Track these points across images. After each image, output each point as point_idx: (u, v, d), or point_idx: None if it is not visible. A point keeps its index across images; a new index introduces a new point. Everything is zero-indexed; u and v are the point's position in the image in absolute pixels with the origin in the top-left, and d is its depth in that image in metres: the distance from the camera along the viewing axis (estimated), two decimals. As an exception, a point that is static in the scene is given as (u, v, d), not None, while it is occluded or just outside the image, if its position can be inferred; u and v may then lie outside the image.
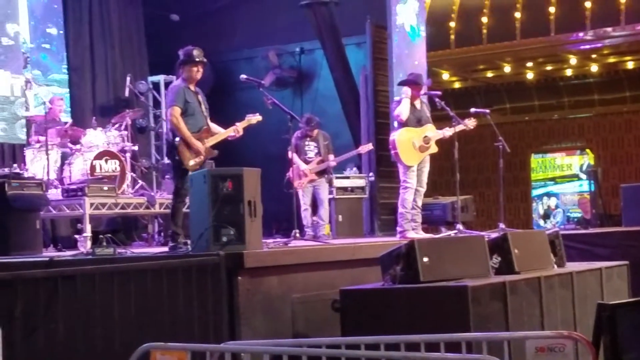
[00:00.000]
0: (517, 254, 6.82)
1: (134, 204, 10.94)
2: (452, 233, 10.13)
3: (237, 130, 8.64)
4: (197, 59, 8.31)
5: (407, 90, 9.79)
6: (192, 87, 8.33)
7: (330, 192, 12.37)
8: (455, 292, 5.97)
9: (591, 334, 4.83)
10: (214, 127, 8.53)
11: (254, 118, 8.90)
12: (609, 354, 4.60)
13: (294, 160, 10.81)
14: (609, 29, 14.82)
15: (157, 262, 6.65)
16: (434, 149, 9.90)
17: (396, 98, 10.12)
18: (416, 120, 9.79)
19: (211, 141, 8.33)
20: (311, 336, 6.63)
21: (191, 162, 8.07)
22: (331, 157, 11.43)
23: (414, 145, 9.68)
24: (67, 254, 8.42)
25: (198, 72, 8.33)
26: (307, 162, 11.28)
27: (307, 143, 11.37)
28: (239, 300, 6.39)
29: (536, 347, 4.59)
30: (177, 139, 8.10)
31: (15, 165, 10.38)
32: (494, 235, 7.72)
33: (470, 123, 10.29)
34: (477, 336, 5.20)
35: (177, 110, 8.10)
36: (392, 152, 9.77)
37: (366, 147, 11.68)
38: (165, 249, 8.30)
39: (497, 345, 4.90)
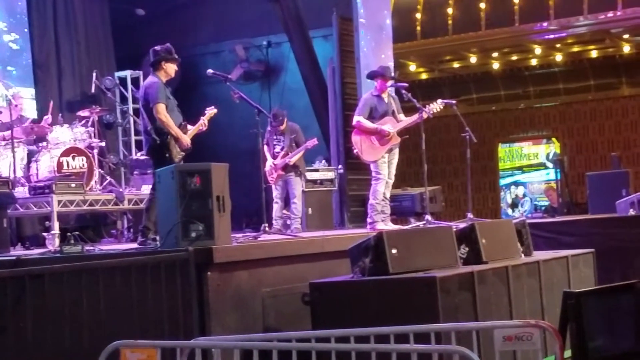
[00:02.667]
0: (484, 243, 6.89)
1: (102, 200, 10.87)
2: (421, 224, 10.17)
3: (204, 123, 8.68)
4: (176, 57, 8.33)
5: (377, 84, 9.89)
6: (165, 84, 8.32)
7: (300, 185, 12.38)
8: (424, 283, 6.01)
9: (558, 322, 4.89)
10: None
11: (212, 111, 8.87)
12: (575, 341, 4.67)
13: (264, 155, 10.88)
14: (573, 19, 14.96)
15: (125, 259, 6.61)
16: (395, 140, 9.91)
17: (365, 95, 10.13)
18: (380, 115, 9.83)
19: (188, 136, 8.33)
20: (282, 330, 6.65)
21: (176, 159, 8.05)
22: (290, 155, 11.43)
23: (371, 141, 9.75)
24: (35, 252, 8.36)
25: (175, 69, 8.34)
26: (275, 156, 11.32)
27: (275, 137, 11.40)
28: (209, 295, 6.37)
29: (504, 336, 4.63)
30: (168, 136, 8.05)
31: (-21, 164, 10.29)
32: (462, 225, 7.78)
33: (435, 106, 10.23)
34: (446, 327, 5.25)
35: (163, 107, 8.03)
36: (355, 151, 9.88)
37: (312, 142, 11.65)
38: (135, 245, 8.26)
39: (465, 335, 4.95)
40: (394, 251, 6.30)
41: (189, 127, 8.47)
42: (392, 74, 10.48)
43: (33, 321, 6.56)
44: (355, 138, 9.85)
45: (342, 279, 6.60)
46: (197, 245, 6.48)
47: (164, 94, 8.09)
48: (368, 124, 9.75)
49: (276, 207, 11.26)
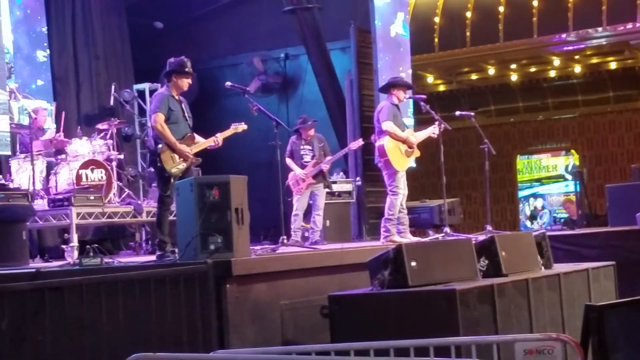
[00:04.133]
0: (504, 256, 6.85)
1: (120, 212, 10.89)
2: (439, 236, 10.14)
3: (217, 140, 8.59)
4: (189, 71, 8.31)
5: (397, 94, 9.80)
6: (176, 96, 8.31)
7: (317, 198, 12.37)
8: (444, 296, 5.98)
9: (579, 335, 4.84)
10: (197, 137, 8.52)
11: (240, 127, 8.88)
12: (597, 355, 4.61)
13: (290, 166, 10.83)
14: (591, 30, 14.91)
15: (144, 271, 6.62)
16: (417, 152, 9.92)
17: (382, 103, 9.93)
18: (399, 125, 9.77)
19: (193, 149, 8.32)
20: (301, 343, 6.63)
21: (173, 170, 8.06)
22: (328, 158, 11.33)
23: (400, 150, 9.66)
24: (54, 264, 8.37)
25: (188, 84, 8.35)
26: (303, 166, 11.18)
27: (302, 147, 11.29)
28: (228, 308, 6.37)
29: (525, 350, 4.60)
30: (160, 145, 8.08)
31: (0, 176, 10.32)
32: (481, 237, 7.75)
33: (435, 129, 10.20)
34: (466, 340, 5.20)
35: (161, 117, 8.08)
36: (382, 159, 9.60)
37: (356, 143, 11.59)
38: (153, 257, 8.27)
39: (486, 349, 4.91)
40: (413, 264, 6.27)
41: (197, 139, 8.46)
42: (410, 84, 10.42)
43: (52, 334, 6.57)
44: (386, 145, 9.56)
45: (361, 291, 6.57)
46: (215, 257, 6.49)
47: (165, 105, 8.12)
48: (399, 131, 9.64)
49: (297, 219, 11.19)
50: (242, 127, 8.89)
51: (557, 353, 4.52)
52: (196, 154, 8.34)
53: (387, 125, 9.56)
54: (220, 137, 8.65)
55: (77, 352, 6.51)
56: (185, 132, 8.27)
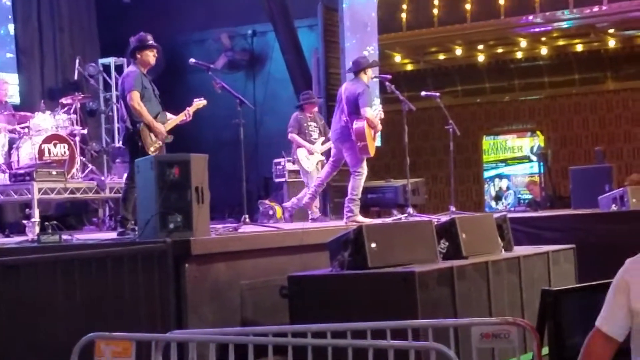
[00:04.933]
0: (464, 238, 6.85)
1: (83, 188, 10.83)
2: (402, 217, 10.14)
3: (188, 114, 8.66)
4: (151, 43, 8.30)
5: (368, 75, 9.75)
6: (145, 73, 8.30)
7: (283, 176, 12.34)
8: (403, 278, 5.99)
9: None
10: (167, 114, 8.54)
11: (200, 102, 8.87)
12: (553, 339, 4.64)
13: (299, 142, 10.85)
14: (558, 13, 14.94)
15: (102, 250, 6.56)
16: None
17: (359, 86, 9.74)
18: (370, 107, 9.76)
19: (167, 126, 8.35)
20: (260, 323, 6.62)
21: (152, 148, 8.09)
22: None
23: (371, 135, 9.63)
24: (12, 240, 8.28)
25: (153, 57, 8.34)
26: (311, 143, 11.17)
27: (309, 124, 11.23)
28: (187, 287, 6.32)
29: (481, 334, 4.60)
30: (140, 124, 8.08)
31: (-41, 150, 10.21)
32: (444, 218, 7.75)
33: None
34: (423, 323, 5.21)
35: (137, 95, 8.08)
36: (361, 143, 9.46)
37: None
38: (115, 234, 8.24)
39: (443, 332, 4.92)
40: (373, 245, 6.26)
41: (169, 116, 8.45)
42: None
43: (6, 312, 6.50)
44: (365, 130, 9.44)
45: (320, 272, 6.57)
46: (175, 236, 6.42)
47: (139, 83, 8.11)
48: (376, 119, 9.63)
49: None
50: (202, 102, 8.88)
51: (513, 337, 4.52)
52: (168, 131, 8.35)
53: (369, 113, 9.51)
54: (191, 110, 8.70)
55: (32, 331, 6.46)
56: (157, 111, 8.30)
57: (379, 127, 9.74)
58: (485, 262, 6.74)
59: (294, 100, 14.32)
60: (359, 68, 9.72)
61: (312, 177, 10.99)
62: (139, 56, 8.27)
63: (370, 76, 9.86)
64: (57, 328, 6.37)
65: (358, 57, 10.25)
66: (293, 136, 11.12)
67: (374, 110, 9.83)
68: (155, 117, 8.21)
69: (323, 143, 11.17)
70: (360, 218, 9.41)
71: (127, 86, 8.16)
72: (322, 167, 10.97)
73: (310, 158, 11.11)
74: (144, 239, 6.63)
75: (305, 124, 11.23)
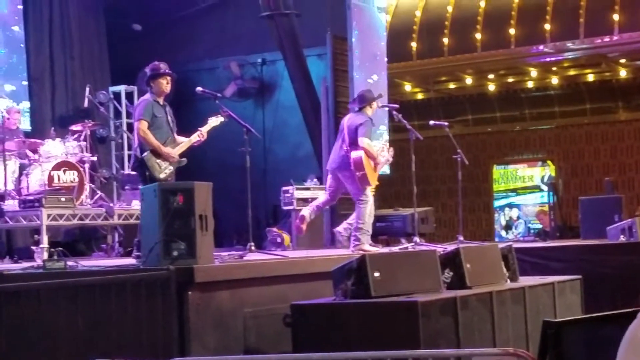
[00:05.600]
0: (468, 268, 6.84)
1: (92, 214, 10.86)
2: (409, 245, 10.13)
3: (201, 134, 8.75)
4: (165, 71, 8.45)
5: (372, 108, 9.77)
6: (160, 101, 8.46)
7: (291, 204, 12.34)
8: (406, 307, 5.97)
9: (537, 350, 4.82)
10: (179, 139, 8.65)
11: (216, 120, 8.92)
12: (553, 372, 4.59)
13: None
14: (569, 43, 14.94)
15: (105, 277, 6.57)
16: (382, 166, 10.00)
17: (360, 117, 9.75)
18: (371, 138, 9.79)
19: (178, 150, 8.46)
20: (263, 352, 6.61)
21: (162, 175, 8.21)
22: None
23: (371, 165, 9.62)
24: (17, 267, 8.31)
25: (167, 85, 8.47)
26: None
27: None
28: (189, 315, 6.32)
29: (482, 364, 4.59)
30: (145, 153, 8.21)
31: (-32, 176, 10.27)
32: (451, 247, 7.73)
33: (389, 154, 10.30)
34: (424, 353, 5.18)
35: (144, 124, 8.25)
36: (359, 173, 9.46)
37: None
38: (124, 260, 8.33)
39: (444, 362, 4.90)
40: (376, 274, 6.25)
41: (179, 139, 8.57)
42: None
43: (7, 337, 6.49)
44: (363, 160, 9.43)
45: (323, 301, 6.56)
46: (178, 264, 6.43)
47: (148, 112, 8.28)
48: (373, 149, 9.63)
49: None
50: (219, 120, 8.93)
51: (513, 368, 4.50)
52: (181, 155, 8.48)
53: (365, 142, 9.50)
54: (204, 130, 8.78)
55: (33, 357, 6.45)
56: (167, 137, 8.42)
57: (379, 159, 9.75)
58: (489, 292, 6.72)
59: (302, 128, 14.39)
60: (363, 103, 9.74)
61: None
62: (152, 84, 8.45)
63: (375, 108, 9.88)
64: (59, 354, 6.36)
65: (363, 91, 10.24)
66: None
67: (380, 143, 9.84)
68: (163, 143, 8.32)
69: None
70: (367, 247, 9.39)
71: (136, 115, 8.40)
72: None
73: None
74: (147, 266, 6.64)
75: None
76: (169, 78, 8.47)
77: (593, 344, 4.83)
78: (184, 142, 8.58)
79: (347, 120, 9.75)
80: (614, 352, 4.82)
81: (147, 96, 8.51)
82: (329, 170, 10.00)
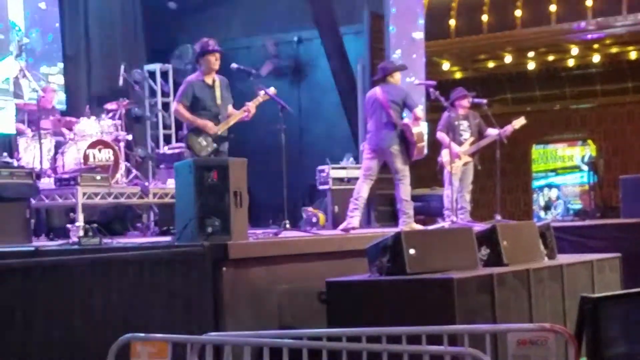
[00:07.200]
0: (505, 246, 6.74)
1: (127, 193, 10.86)
2: (446, 224, 10.04)
3: (248, 109, 8.71)
4: (213, 48, 8.49)
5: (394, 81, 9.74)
6: (208, 80, 8.50)
7: (327, 183, 12.27)
8: (441, 284, 5.89)
9: (575, 327, 4.74)
10: (232, 111, 8.72)
11: (265, 96, 8.85)
12: (590, 348, 4.51)
13: (445, 143, 10.62)
14: (611, 19, 14.68)
15: (140, 252, 6.57)
16: None
17: (402, 87, 9.76)
18: None
19: (223, 126, 8.56)
20: (297, 328, 6.56)
21: (203, 153, 8.36)
22: (491, 130, 11.14)
23: None
24: (53, 243, 8.36)
25: (217, 62, 8.52)
26: (460, 143, 10.99)
27: (459, 122, 11.03)
28: (224, 291, 6.28)
29: (518, 340, 4.52)
30: (186, 132, 8.42)
31: (5, 154, 10.30)
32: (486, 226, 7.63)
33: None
34: (459, 328, 5.13)
35: (180, 106, 8.43)
36: (420, 144, 9.47)
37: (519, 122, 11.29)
38: (159, 238, 8.38)
39: (480, 339, 4.82)
40: (411, 251, 6.18)
41: (231, 112, 8.64)
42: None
43: (43, 312, 6.54)
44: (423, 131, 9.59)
45: (358, 277, 6.50)
46: (212, 240, 6.41)
47: (187, 94, 8.42)
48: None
49: (450, 196, 10.79)
50: (271, 90, 8.87)
51: (550, 344, 4.43)
52: (229, 130, 8.65)
53: (420, 112, 9.63)
54: (252, 105, 8.74)
55: (69, 332, 6.49)
56: (211, 117, 8.51)
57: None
58: (526, 269, 6.61)
59: (339, 107, 14.30)
60: (385, 73, 9.69)
61: (456, 179, 10.82)
62: (202, 62, 8.52)
63: (397, 80, 9.79)
64: (94, 329, 6.39)
65: (385, 63, 10.22)
66: (442, 135, 10.90)
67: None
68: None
69: (473, 143, 11.05)
70: (415, 225, 9.36)
71: (176, 96, 8.59)
72: (467, 168, 10.96)
73: (455, 160, 10.81)
74: (181, 242, 6.63)
75: (456, 123, 11.00)
76: (217, 55, 8.51)
77: (630, 320, 4.75)
78: (230, 118, 8.61)
79: (384, 95, 9.59)
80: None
81: (193, 76, 8.58)
82: (375, 150, 9.70)
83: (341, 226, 9.63)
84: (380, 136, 9.59)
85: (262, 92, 8.85)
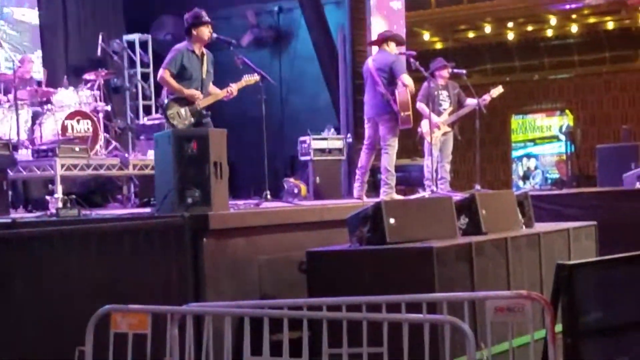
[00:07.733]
0: (484, 214, 6.79)
1: (106, 165, 10.80)
2: (426, 194, 10.08)
3: (231, 91, 8.70)
4: (206, 20, 8.45)
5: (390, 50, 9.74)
6: (197, 50, 8.42)
7: (308, 154, 12.28)
8: (420, 253, 5.94)
9: (551, 294, 4.79)
10: (213, 90, 8.69)
11: (252, 78, 8.86)
12: (566, 314, 4.57)
13: (425, 113, 10.61)
14: (589, -12, 14.74)
15: (119, 223, 6.56)
16: None
17: (391, 56, 9.76)
18: None
19: (204, 102, 8.47)
20: (278, 298, 6.60)
21: (180, 125, 8.25)
22: (470, 100, 11.13)
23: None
24: (31, 215, 8.33)
25: (209, 33, 8.48)
26: (439, 113, 10.96)
27: (439, 92, 11.03)
28: (204, 262, 6.29)
29: (495, 307, 4.57)
30: (166, 100, 8.29)
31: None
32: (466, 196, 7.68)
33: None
34: (438, 297, 5.19)
35: (167, 73, 8.32)
36: (404, 113, 9.48)
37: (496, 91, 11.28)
38: (139, 210, 8.36)
39: (458, 306, 4.88)
40: (391, 221, 6.22)
41: (213, 90, 8.61)
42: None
43: (22, 284, 6.53)
44: (409, 99, 9.51)
45: (338, 247, 6.54)
46: (193, 211, 6.40)
47: (176, 62, 8.32)
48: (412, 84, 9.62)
49: (430, 167, 10.83)
50: (254, 78, 8.87)
51: (527, 311, 4.49)
52: (207, 107, 8.53)
53: (408, 79, 9.51)
54: (235, 87, 8.72)
55: (48, 303, 6.49)
56: (196, 89, 8.45)
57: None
58: (504, 238, 6.67)
59: (320, 78, 14.26)
60: (380, 40, 9.73)
61: (435, 149, 10.82)
62: (194, 33, 8.41)
63: (393, 49, 9.80)
64: (73, 300, 6.38)
65: (383, 31, 10.25)
66: (421, 106, 10.87)
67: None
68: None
69: (452, 113, 11.04)
70: (395, 195, 9.39)
71: (163, 62, 8.42)
72: (447, 138, 10.94)
73: (435, 130, 10.77)
74: (161, 213, 6.63)
75: (436, 93, 10.99)
76: (210, 26, 8.47)
77: (605, 286, 4.81)
78: (211, 96, 8.55)
79: (373, 62, 9.67)
80: (626, 293, 4.80)
81: (182, 45, 8.47)
82: (367, 119, 9.85)
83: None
84: (370, 104, 9.69)
85: (248, 76, 8.86)
